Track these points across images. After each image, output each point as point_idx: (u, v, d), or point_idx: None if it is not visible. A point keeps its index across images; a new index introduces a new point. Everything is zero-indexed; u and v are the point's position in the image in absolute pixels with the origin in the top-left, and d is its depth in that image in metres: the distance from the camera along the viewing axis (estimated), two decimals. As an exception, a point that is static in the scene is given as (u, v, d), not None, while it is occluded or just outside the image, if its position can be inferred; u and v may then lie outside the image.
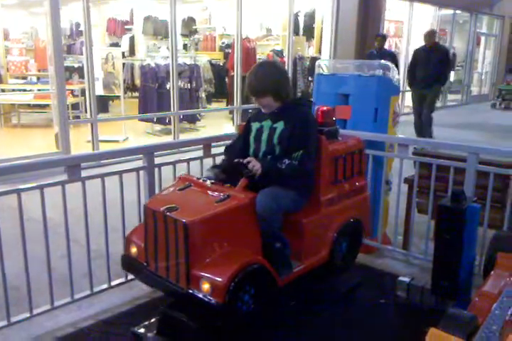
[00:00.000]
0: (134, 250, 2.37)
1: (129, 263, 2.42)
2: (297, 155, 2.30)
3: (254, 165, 2.29)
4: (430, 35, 8.01)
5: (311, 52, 10.98)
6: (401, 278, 2.91)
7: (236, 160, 2.36)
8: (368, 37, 9.49)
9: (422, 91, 7.87)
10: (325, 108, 2.67)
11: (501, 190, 3.07)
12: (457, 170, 3.09)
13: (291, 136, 2.36)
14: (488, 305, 1.74)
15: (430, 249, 3.12)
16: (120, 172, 2.85)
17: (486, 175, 2.97)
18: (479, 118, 11.80)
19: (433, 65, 7.69)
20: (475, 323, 1.60)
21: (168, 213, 2.11)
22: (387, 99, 3.51)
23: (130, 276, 2.91)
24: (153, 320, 2.47)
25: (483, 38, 15.89)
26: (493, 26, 15.90)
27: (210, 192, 2.28)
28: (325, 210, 2.52)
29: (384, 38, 8.59)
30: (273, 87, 2.40)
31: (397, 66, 6.70)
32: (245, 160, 2.32)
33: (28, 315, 2.55)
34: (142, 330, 2.44)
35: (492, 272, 2.03)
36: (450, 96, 14.14)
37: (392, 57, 7.81)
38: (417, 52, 8.13)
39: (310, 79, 9.68)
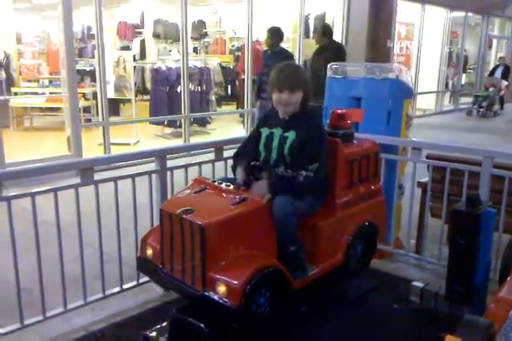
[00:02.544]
0: (149, 252, 2.37)
1: (144, 265, 2.42)
2: (314, 167, 2.28)
3: (262, 187, 2.24)
4: (318, 31, 6.18)
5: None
6: (414, 283, 2.88)
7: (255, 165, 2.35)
8: (380, 39, 9.43)
9: None
10: (339, 111, 2.65)
11: (517, 195, 3.03)
12: (471, 174, 3.07)
13: (303, 146, 2.33)
14: (505, 311, 1.72)
15: (444, 253, 3.10)
16: (133, 176, 2.86)
17: (501, 180, 2.94)
18: (490, 122, 11.72)
19: (318, 69, 5.81)
20: (492, 330, 1.58)
21: (184, 216, 2.11)
22: (401, 102, 3.49)
23: (142, 279, 2.92)
24: (165, 324, 2.46)
25: (494, 41, 15.80)
26: (505, 29, 15.80)
27: (225, 195, 2.27)
28: (340, 213, 2.50)
29: (274, 33, 6.25)
30: (305, 84, 2.39)
31: None
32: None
33: (41, 317, 2.56)
34: (154, 334, 2.43)
35: (508, 278, 2.00)
36: (462, 99, 14.06)
37: (282, 58, 5.72)
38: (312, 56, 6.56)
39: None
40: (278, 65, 2.44)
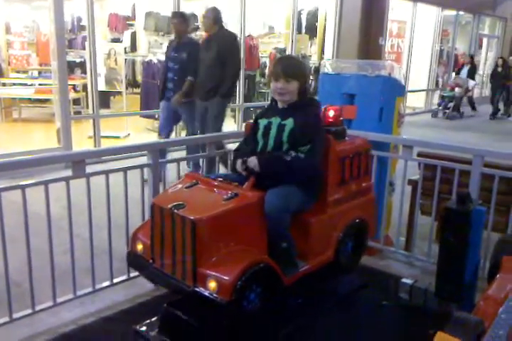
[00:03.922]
0: (140, 247, 2.36)
1: (134, 260, 2.41)
2: (305, 149, 2.30)
3: (251, 161, 2.29)
4: (205, 16, 5.27)
5: (313, 50, 10.96)
6: (404, 280, 2.91)
7: (239, 160, 2.37)
8: (372, 36, 9.45)
9: (202, 104, 5.20)
10: (333, 107, 2.65)
11: (506, 193, 3.07)
12: (462, 172, 3.09)
13: (299, 131, 2.35)
14: (494, 309, 1.74)
15: (433, 250, 3.13)
16: (125, 169, 2.83)
17: (491, 178, 2.97)
18: (479, 121, 11.80)
19: (207, 66, 5.08)
20: (482, 327, 1.59)
21: (175, 210, 2.11)
22: (393, 100, 3.51)
23: (132, 274, 2.91)
24: (155, 318, 2.46)
25: (485, 40, 15.91)
26: (495, 28, 15.92)
27: (217, 190, 2.26)
28: (331, 210, 2.51)
29: (182, 19, 5.44)
30: (302, 75, 2.45)
31: (194, 62, 5.08)
32: (245, 158, 2.33)
33: (30, 311, 2.54)
34: (144, 328, 2.43)
35: (497, 276, 2.03)
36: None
37: (191, 52, 5.21)
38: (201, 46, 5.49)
39: (312, 78, 9.66)
40: (280, 56, 2.47)
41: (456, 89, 11.78)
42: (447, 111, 11.79)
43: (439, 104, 12.26)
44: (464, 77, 12.15)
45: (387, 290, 3.02)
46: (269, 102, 2.68)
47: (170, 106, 5.31)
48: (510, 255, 2.13)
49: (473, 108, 12.51)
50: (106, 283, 2.86)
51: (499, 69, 12.08)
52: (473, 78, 12.37)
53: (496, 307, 1.74)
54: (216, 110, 5.11)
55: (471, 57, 12.82)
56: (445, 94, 12.07)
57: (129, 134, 7.76)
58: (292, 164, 2.28)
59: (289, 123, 2.37)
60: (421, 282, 2.88)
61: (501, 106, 12.47)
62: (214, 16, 5.20)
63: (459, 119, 11.76)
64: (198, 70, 5.11)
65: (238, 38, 5.51)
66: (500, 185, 2.98)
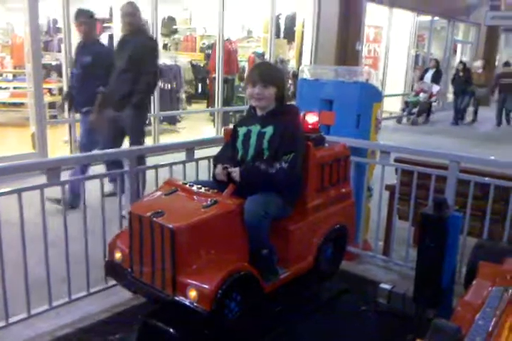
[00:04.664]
0: (118, 255, 2.32)
1: (112, 269, 2.37)
2: (288, 157, 2.29)
3: (234, 174, 2.29)
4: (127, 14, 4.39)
5: (291, 55, 11.00)
6: (382, 285, 2.92)
7: (223, 166, 2.35)
8: (349, 41, 9.54)
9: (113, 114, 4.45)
10: (312, 113, 2.66)
11: (481, 199, 3.11)
12: (438, 177, 3.13)
13: (280, 139, 2.35)
14: (471, 315, 1.75)
15: (411, 255, 3.16)
16: (101, 176, 2.79)
17: (467, 183, 3.01)
18: (446, 125, 11.85)
19: (119, 71, 4.38)
20: (459, 334, 1.61)
21: (154, 218, 2.08)
22: (370, 106, 3.53)
23: (110, 283, 2.86)
24: (133, 329, 2.42)
25: (459, 45, 16.21)
26: (469, 34, 16.24)
27: (196, 198, 2.25)
28: (311, 217, 2.51)
29: (89, 17, 4.61)
30: (280, 81, 2.44)
31: (101, 68, 4.39)
32: (229, 169, 2.32)
33: (3, 323, 2.47)
34: (121, 339, 2.39)
35: (474, 281, 2.05)
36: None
37: (95, 55, 4.50)
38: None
39: (290, 82, 9.69)
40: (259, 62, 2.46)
41: (421, 94, 11.69)
42: (411, 116, 11.67)
43: (402, 110, 12.16)
44: (427, 81, 12.05)
45: (365, 295, 3.02)
46: (247, 108, 2.66)
47: (85, 121, 4.58)
48: (486, 260, 2.16)
49: (428, 113, 12.36)
50: (82, 293, 2.80)
51: (460, 74, 11.94)
52: (437, 83, 12.29)
53: (473, 313, 1.75)
54: (131, 124, 4.40)
55: (436, 61, 12.68)
56: (409, 100, 11.90)
57: (106, 139, 7.65)
58: (276, 176, 2.28)
59: (269, 130, 2.37)
60: (399, 287, 2.90)
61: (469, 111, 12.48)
62: (138, 13, 4.49)
63: (425, 125, 11.70)
64: (109, 76, 4.41)
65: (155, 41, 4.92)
66: (475, 191, 3.03)
